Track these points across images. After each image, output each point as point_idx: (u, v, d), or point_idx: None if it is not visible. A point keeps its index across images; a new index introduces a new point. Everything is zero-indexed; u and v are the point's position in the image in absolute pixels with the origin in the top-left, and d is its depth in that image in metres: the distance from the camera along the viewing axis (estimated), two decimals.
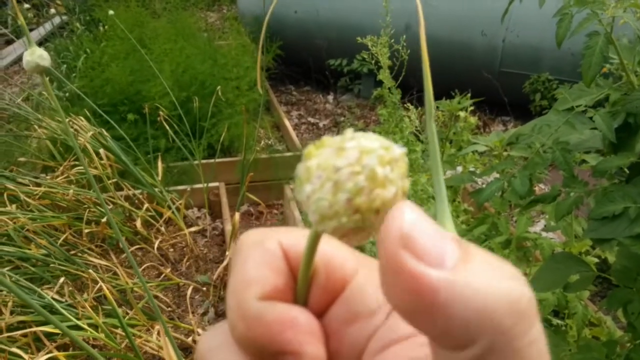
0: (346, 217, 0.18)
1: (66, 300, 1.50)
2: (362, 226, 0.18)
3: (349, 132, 0.19)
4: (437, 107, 2.22)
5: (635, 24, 0.75)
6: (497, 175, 1.36)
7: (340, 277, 0.22)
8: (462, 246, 0.17)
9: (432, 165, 0.21)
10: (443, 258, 0.17)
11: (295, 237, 0.22)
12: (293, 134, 3.19)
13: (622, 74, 1.20)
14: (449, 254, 0.17)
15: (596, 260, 1.57)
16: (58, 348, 1.44)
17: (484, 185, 1.29)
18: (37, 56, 0.63)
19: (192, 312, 1.85)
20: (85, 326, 1.36)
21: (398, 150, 0.19)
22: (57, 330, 1.33)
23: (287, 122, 3.34)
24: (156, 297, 1.82)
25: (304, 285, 0.21)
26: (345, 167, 0.18)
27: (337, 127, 3.75)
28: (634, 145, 0.92)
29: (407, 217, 0.17)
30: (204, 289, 1.97)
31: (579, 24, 0.79)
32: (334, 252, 0.23)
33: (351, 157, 0.18)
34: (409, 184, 0.19)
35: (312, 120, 3.92)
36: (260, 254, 0.22)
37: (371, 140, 0.19)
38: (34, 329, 1.35)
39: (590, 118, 0.90)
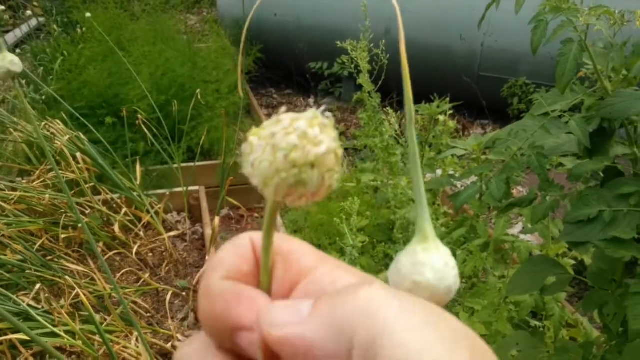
0: (285, 172, 0.21)
1: (42, 307, 1.48)
2: (301, 180, 0.21)
3: (283, 109, 0.22)
4: (417, 111, 2.23)
5: (607, 31, 0.77)
6: (476, 179, 1.37)
7: (297, 270, 0.24)
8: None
9: (411, 169, 0.24)
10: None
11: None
12: None
13: (595, 77, 1.22)
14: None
15: (573, 262, 1.59)
16: (34, 355, 1.42)
17: (462, 189, 1.30)
18: (8, 62, 0.62)
19: (172, 318, 1.84)
20: (62, 333, 1.33)
21: (325, 119, 0.22)
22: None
23: None
24: (135, 302, 1.80)
25: (265, 270, 0.24)
26: (280, 131, 0.21)
27: None
28: (608, 150, 0.94)
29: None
30: (184, 293, 1.96)
31: (553, 31, 0.80)
32: (293, 247, 0.25)
33: (285, 123, 0.21)
34: (342, 153, 0.22)
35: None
36: (231, 245, 0.25)
37: (302, 114, 0.22)
38: (9, 336, 1.33)
39: (566, 123, 0.92)
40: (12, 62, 0.62)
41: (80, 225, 1.88)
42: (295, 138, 0.21)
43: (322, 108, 0.22)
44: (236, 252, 0.24)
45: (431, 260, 0.23)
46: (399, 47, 0.24)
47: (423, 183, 0.24)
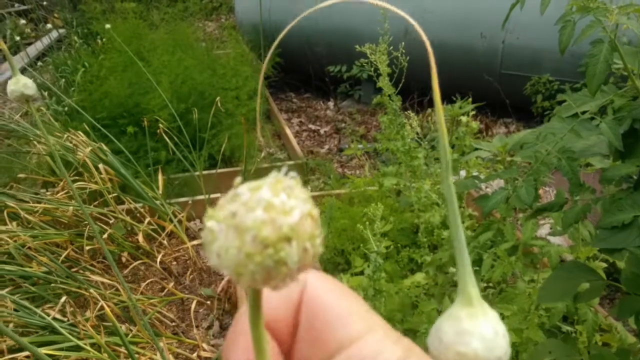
0: (259, 256, 0.17)
1: (68, 320, 1.48)
2: (279, 260, 0.18)
3: (237, 179, 0.19)
4: None
5: (639, 30, 0.73)
6: (501, 181, 1.34)
7: (338, 339, 0.22)
8: None
9: (451, 224, 0.21)
10: None
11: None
12: (294, 141, 3.17)
13: (624, 74, 1.18)
14: None
15: (604, 265, 1.55)
16: None
17: (488, 190, 1.27)
18: (21, 85, 0.62)
19: (197, 326, 1.83)
20: (87, 347, 1.34)
21: (290, 179, 0.19)
22: (59, 352, 1.31)
23: (287, 130, 3.33)
24: (160, 312, 1.80)
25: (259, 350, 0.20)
26: (241, 207, 0.18)
27: (338, 134, 3.73)
28: None
29: None
30: (208, 302, 1.95)
31: (581, 31, 0.77)
32: (339, 310, 0.22)
33: (244, 197, 0.18)
34: (315, 209, 0.19)
35: (313, 127, 3.90)
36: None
37: (261, 181, 0.19)
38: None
39: (596, 125, 0.88)
40: (25, 85, 0.62)
41: (104, 236, 1.89)
42: (260, 212, 0.18)
43: (284, 170, 0.19)
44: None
45: (479, 328, 0.20)
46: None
47: (464, 239, 0.21)
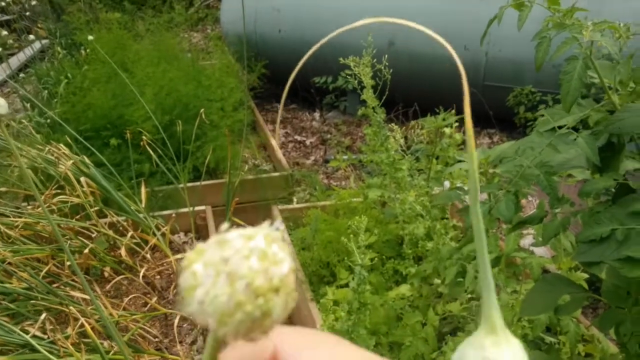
0: (250, 305, 0.17)
1: (48, 337, 1.46)
2: (267, 311, 0.17)
3: (224, 225, 0.19)
4: (422, 127, 2.21)
5: (612, 47, 0.74)
6: (485, 196, 1.34)
7: None
8: None
9: (477, 248, 0.21)
10: None
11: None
12: (280, 153, 3.17)
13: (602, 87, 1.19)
14: None
15: (586, 275, 1.56)
16: None
17: None
18: None
19: (180, 342, 1.81)
20: None
21: (276, 232, 0.19)
22: None
23: (273, 142, 3.33)
24: (142, 328, 1.78)
25: None
26: (234, 255, 0.17)
27: (324, 145, 3.74)
28: (618, 165, 0.91)
29: None
30: (192, 317, 1.93)
31: (557, 47, 0.78)
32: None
33: (237, 245, 0.18)
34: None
35: (299, 138, 3.91)
36: None
37: (253, 229, 0.18)
38: None
39: (574, 139, 0.89)
40: None
41: (85, 251, 1.87)
42: (255, 261, 0.17)
43: (277, 222, 0.19)
44: None
45: (502, 357, 0.20)
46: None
47: (489, 264, 0.21)
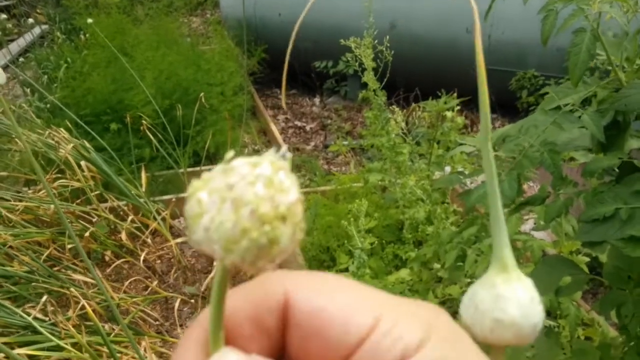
0: (256, 231, 0.17)
1: (49, 319, 1.46)
2: (273, 238, 0.17)
3: (230, 153, 0.18)
4: (423, 108, 2.20)
5: (622, 19, 0.73)
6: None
7: (345, 340, 0.19)
8: None
9: (488, 188, 0.20)
10: None
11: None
12: (280, 138, 3.16)
13: (607, 68, 1.18)
14: None
15: (587, 259, 1.55)
16: None
17: (473, 186, 1.26)
18: None
19: (181, 325, 1.82)
20: (68, 346, 1.32)
21: (284, 161, 0.18)
22: (40, 352, 1.29)
23: (273, 127, 3.31)
24: (143, 311, 1.78)
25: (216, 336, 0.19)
26: (240, 181, 0.17)
27: (324, 130, 3.72)
28: (623, 144, 0.90)
29: None
30: (192, 300, 1.93)
31: (564, 20, 0.76)
32: (337, 304, 0.20)
33: (243, 171, 0.17)
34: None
35: (299, 123, 3.89)
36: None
37: (259, 157, 0.18)
38: (16, 350, 1.31)
39: (579, 117, 0.88)
40: None
41: (86, 234, 1.87)
42: (261, 187, 0.17)
43: (284, 148, 0.19)
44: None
45: (515, 294, 0.20)
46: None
47: (501, 205, 0.20)
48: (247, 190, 0.17)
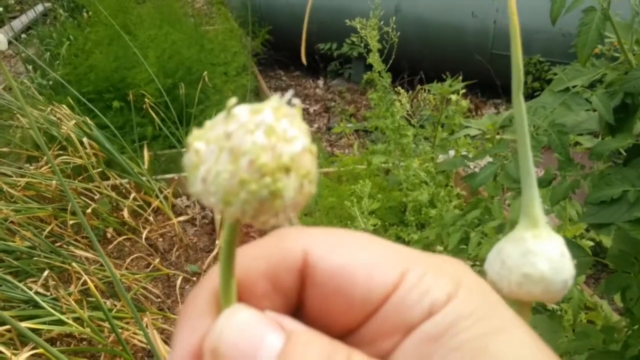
0: (255, 184, 0.16)
1: (51, 294, 1.47)
2: (275, 191, 0.16)
3: (232, 100, 0.17)
4: (428, 91, 2.18)
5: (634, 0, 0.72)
6: (490, 159, 1.33)
7: (364, 302, 0.19)
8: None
9: (519, 142, 0.20)
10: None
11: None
12: None
13: (614, 55, 1.16)
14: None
15: (591, 243, 1.55)
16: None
17: (476, 169, 1.26)
18: None
19: (182, 303, 1.82)
20: (70, 321, 1.32)
21: (292, 107, 0.17)
22: (41, 326, 1.29)
23: None
24: (145, 288, 1.79)
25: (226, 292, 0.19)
26: (238, 129, 0.16)
27: (327, 113, 3.71)
28: (632, 127, 0.89)
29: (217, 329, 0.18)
30: (194, 278, 1.94)
31: (573, 1, 0.75)
32: (364, 259, 0.19)
33: (242, 119, 0.16)
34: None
35: (302, 105, 3.87)
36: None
37: (262, 103, 0.17)
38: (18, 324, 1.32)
39: (587, 99, 0.87)
40: None
41: (88, 210, 1.87)
42: (261, 136, 0.16)
43: (289, 94, 0.17)
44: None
45: (545, 249, 0.19)
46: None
47: (532, 158, 0.20)
48: (246, 138, 0.16)
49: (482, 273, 0.21)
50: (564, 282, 0.19)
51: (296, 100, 0.17)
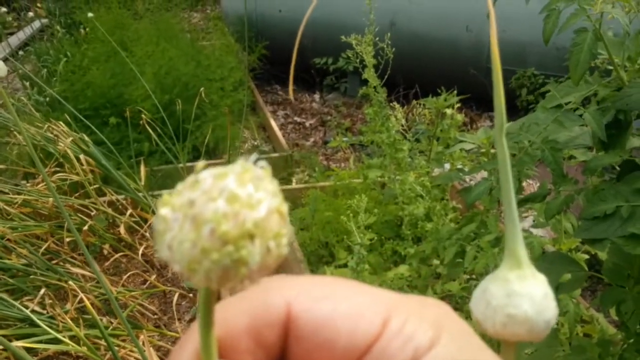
0: (216, 252, 0.15)
1: (47, 312, 1.46)
2: (239, 259, 0.16)
3: (201, 163, 0.17)
4: (424, 105, 2.20)
5: (624, 19, 0.73)
6: (485, 173, 1.34)
7: (347, 351, 0.19)
8: None
9: (502, 183, 0.20)
10: None
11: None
12: (279, 134, 3.16)
13: (608, 68, 1.18)
14: None
15: (586, 256, 1.56)
16: None
17: (472, 182, 1.27)
18: None
19: (179, 319, 1.82)
20: (66, 339, 1.31)
21: (260, 168, 0.17)
22: (37, 345, 1.29)
23: (273, 122, 3.31)
24: (141, 305, 1.78)
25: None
26: (201, 196, 0.16)
27: (323, 127, 3.72)
28: (624, 143, 0.90)
29: None
30: (191, 295, 1.93)
31: (566, 19, 0.77)
32: (346, 310, 0.20)
33: (205, 185, 0.16)
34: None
35: (298, 119, 3.89)
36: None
37: (227, 167, 0.16)
38: (14, 343, 1.31)
39: (580, 115, 0.88)
40: None
41: (85, 228, 1.87)
42: (222, 203, 0.15)
43: (253, 157, 0.17)
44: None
45: (529, 290, 0.20)
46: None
47: (515, 198, 0.20)
48: (208, 206, 0.16)
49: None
50: (547, 322, 0.19)
51: (262, 163, 0.17)
